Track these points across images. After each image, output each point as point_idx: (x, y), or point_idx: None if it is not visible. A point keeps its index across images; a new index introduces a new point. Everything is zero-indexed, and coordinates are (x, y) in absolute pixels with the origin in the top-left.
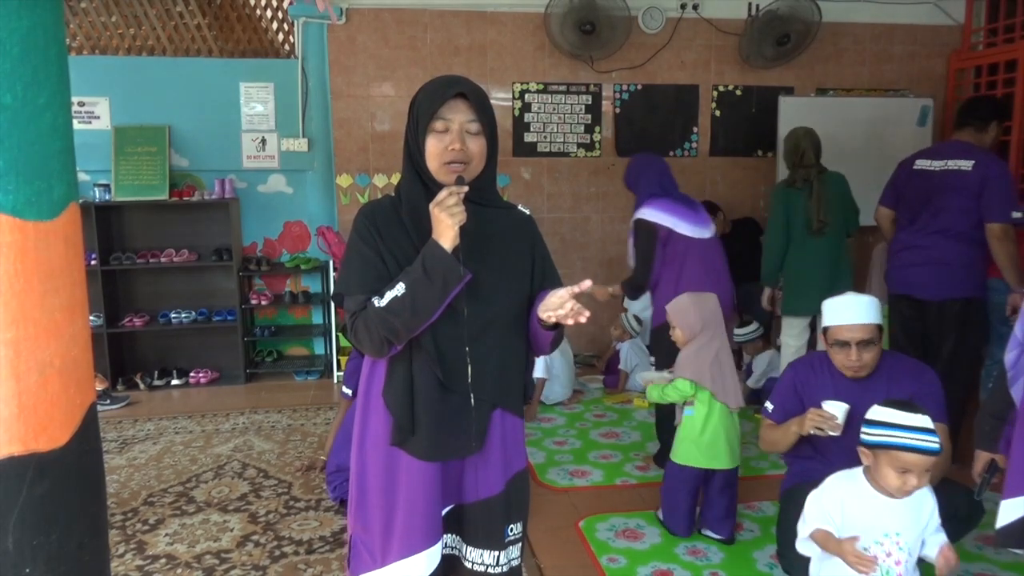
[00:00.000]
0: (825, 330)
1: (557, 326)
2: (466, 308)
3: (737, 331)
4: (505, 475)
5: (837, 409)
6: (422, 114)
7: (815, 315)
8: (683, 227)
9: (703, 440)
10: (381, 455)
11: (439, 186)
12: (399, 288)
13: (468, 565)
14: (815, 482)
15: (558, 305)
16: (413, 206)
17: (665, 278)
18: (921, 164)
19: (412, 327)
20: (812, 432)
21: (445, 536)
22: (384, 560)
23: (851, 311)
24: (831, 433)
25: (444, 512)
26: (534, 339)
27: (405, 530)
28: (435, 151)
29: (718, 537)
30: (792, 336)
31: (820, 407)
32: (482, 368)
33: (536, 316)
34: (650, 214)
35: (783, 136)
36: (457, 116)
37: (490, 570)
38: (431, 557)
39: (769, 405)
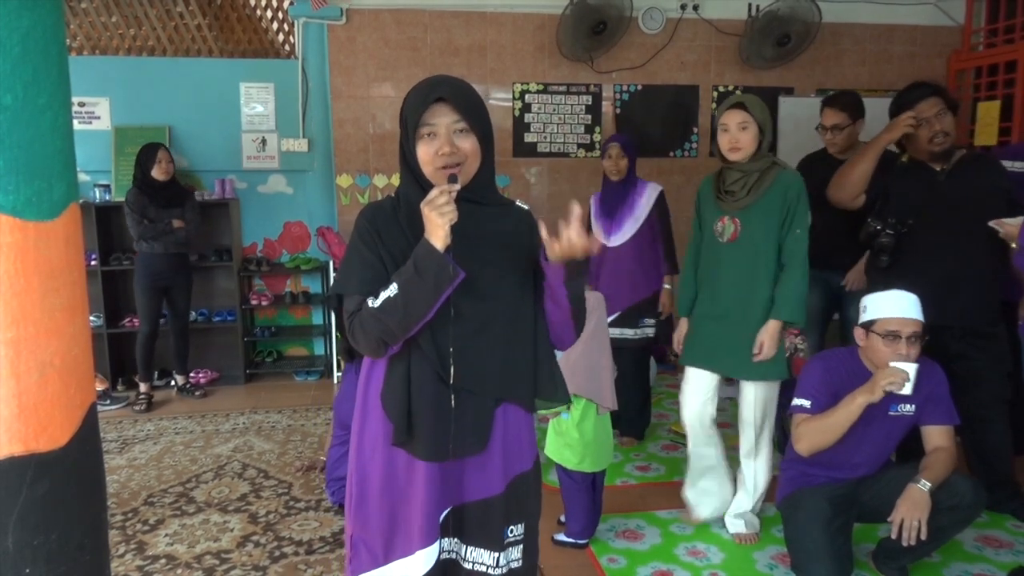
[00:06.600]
0: (871, 323)
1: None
2: (455, 307)
3: None
4: (507, 475)
5: (908, 367)
6: (409, 122)
7: None
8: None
9: (581, 443)
10: (380, 455)
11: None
12: (392, 288)
13: (468, 567)
14: (815, 488)
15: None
16: (410, 208)
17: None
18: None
19: (406, 327)
20: (886, 390)
21: (443, 540)
22: (386, 558)
23: (904, 305)
24: (903, 392)
25: (443, 515)
26: (553, 327)
27: (406, 528)
28: (426, 157)
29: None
30: None
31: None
32: (484, 365)
33: (550, 285)
34: None
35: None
36: (442, 120)
37: (490, 571)
38: (429, 555)
39: (805, 402)
